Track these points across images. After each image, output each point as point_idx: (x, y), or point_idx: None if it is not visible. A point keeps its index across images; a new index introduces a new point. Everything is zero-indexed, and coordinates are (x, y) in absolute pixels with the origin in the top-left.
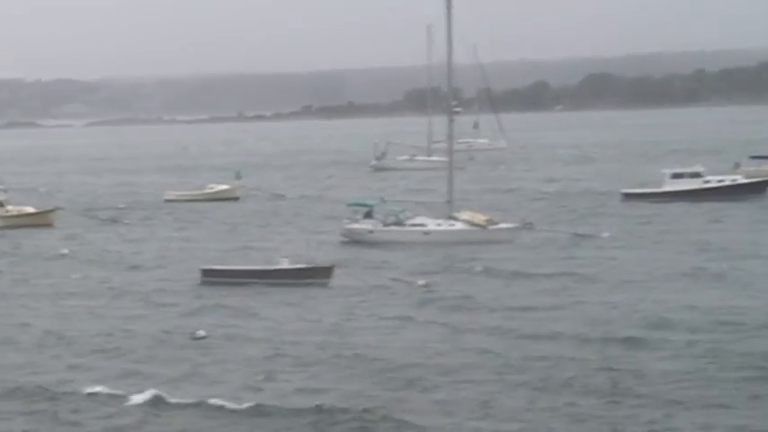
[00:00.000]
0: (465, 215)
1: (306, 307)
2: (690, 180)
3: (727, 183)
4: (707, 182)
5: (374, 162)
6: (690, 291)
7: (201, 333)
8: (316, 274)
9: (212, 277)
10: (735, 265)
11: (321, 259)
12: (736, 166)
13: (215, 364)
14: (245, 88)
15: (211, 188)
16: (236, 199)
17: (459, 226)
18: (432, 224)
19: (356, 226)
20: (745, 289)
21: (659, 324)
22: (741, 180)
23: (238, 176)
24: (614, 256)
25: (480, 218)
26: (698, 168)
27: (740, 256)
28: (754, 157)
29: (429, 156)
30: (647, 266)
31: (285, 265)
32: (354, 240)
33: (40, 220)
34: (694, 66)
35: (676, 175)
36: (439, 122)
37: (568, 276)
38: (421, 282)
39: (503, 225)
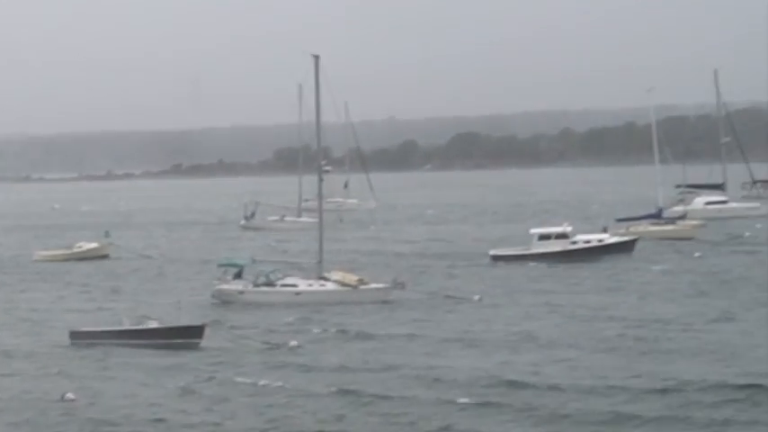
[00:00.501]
0: (336, 275)
1: (174, 370)
2: (557, 241)
3: (594, 243)
4: (574, 242)
5: (243, 222)
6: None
7: (70, 396)
8: (186, 335)
9: (81, 339)
10: (573, 329)
11: (191, 320)
12: (604, 230)
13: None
14: (114, 146)
15: (80, 247)
16: (105, 257)
17: (330, 286)
18: (303, 285)
19: (226, 287)
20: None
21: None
22: (608, 240)
23: (107, 235)
24: (482, 318)
25: (351, 278)
26: (565, 229)
27: (586, 319)
28: (619, 220)
29: (299, 215)
30: (502, 329)
31: (155, 325)
32: (225, 301)
33: None
34: (561, 126)
35: (543, 237)
36: (309, 181)
37: (426, 338)
38: (293, 343)
39: (374, 285)
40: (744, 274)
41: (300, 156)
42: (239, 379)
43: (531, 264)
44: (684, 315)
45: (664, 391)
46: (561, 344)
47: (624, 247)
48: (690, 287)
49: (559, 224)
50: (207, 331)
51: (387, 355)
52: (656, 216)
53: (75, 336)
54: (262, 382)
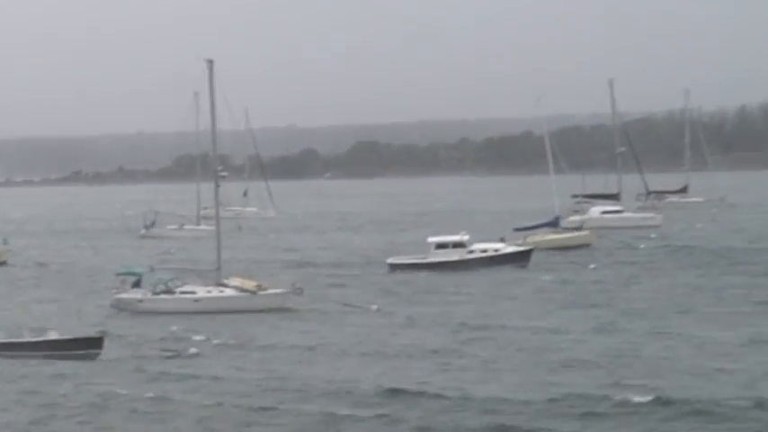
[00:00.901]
0: (234, 281)
1: (75, 379)
2: (454, 250)
3: (490, 252)
4: (471, 251)
5: (143, 231)
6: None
7: None
8: (85, 346)
9: None
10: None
11: (90, 330)
12: (502, 240)
13: None
14: (11, 154)
15: None
16: (2, 264)
17: (228, 292)
18: (201, 291)
19: (125, 295)
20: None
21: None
22: (504, 250)
23: (5, 242)
24: (379, 327)
25: (250, 284)
26: (462, 238)
27: (476, 328)
28: (517, 229)
29: (198, 223)
30: (396, 339)
31: (53, 336)
32: (124, 310)
33: None
34: (459, 135)
35: (440, 245)
36: (207, 189)
37: (320, 348)
38: (192, 350)
39: (272, 291)
40: (633, 284)
41: (198, 163)
42: (120, 391)
43: (428, 272)
44: (567, 325)
45: (551, 400)
46: (451, 354)
47: (520, 257)
48: (580, 297)
49: (457, 233)
50: (106, 342)
51: (280, 365)
52: (554, 225)
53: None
54: (148, 394)
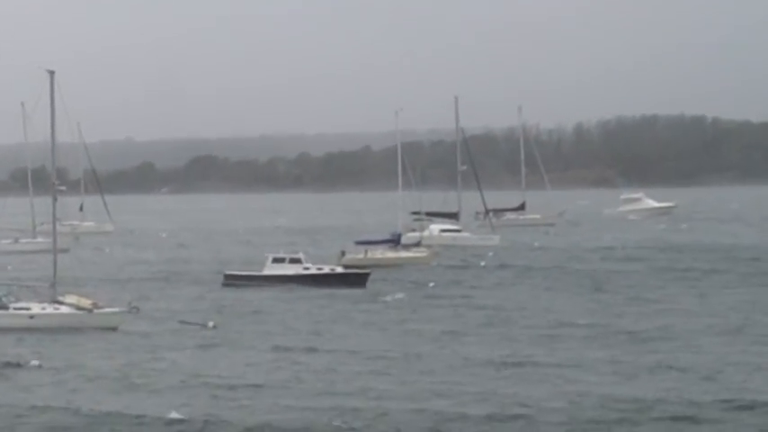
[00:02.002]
0: (70, 299)
1: None
2: (290, 265)
3: (325, 271)
4: (306, 268)
5: None
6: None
7: None
8: None
9: None
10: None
11: None
12: (343, 254)
13: None
14: None
15: None
16: None
17: (64, 309)
18: (37, 308)
19: None
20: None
21: None
22: (339, 270)
23: None
24: (212, 344)
25: (86, 302)
26: (299, 255)
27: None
28: (358, 243)
29: (34, 238)
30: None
31: None
32: None
33: None
34: (299, 150)
35: (277, 260)
36: (43, 203)
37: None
38: (35, 362)
39: (108, 309)
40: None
41: (29, 177)
42: None
43: (264, 286)
44: (396, 346)
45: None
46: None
47: (357, 279)
48: (414, 318)
49: (295, 251)
50: None
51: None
52: (395, 242)
53: None
54: None
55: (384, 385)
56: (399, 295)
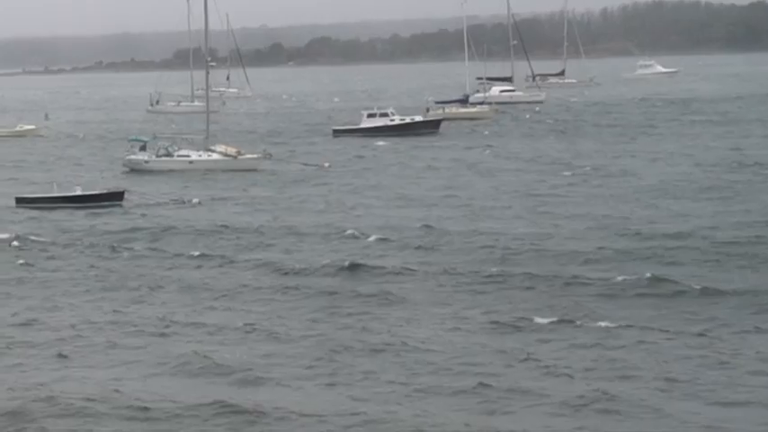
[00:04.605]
0: (220, 147)
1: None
2: (380, 119)
3: (407, 121)
4: (392, 120)
5: (150, 108)
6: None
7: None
8: (110, 198)
9: (25, 204)
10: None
11: (111, 186)
12: (427, 110)
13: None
14: (46, 48)
15: (21, 127)
16: (42, 136)
17: (215, 156)
18: (194, 155)
19: (134, 157)
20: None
21: None
22: (418, 119)
23: (46, 118)
24: (330, 181)
25: (232, 149)
26: (388, 110)
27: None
28: (438, 102)
29: (192, 102)
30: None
31: (81, 191)
32: (133, 170)
33: None
34: (391, 32)
35: (371, 115)
36: (200, 75)
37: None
38: (195, 200)
39: (249, 155)
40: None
41: (190, 55)
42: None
43: (361, 136)
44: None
45: None
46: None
47: (432, 125)
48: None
49: (385, 107)
50: (126, 195)
51: (250, 215)
52: (464, 101)
53: (20, 201)
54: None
55: None
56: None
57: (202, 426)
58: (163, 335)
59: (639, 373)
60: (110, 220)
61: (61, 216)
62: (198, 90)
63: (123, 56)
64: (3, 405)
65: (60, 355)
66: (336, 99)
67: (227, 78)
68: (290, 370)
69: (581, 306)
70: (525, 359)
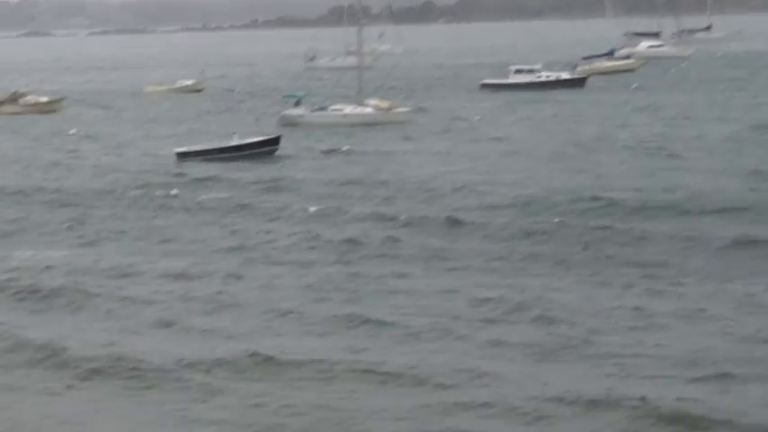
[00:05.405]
0: (373, 101)
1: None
2: (528, 74)
3: (552, 78)
4: (539, 77)
5: (305, 63)
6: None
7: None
8: (267, 144)
9: (186, 158)
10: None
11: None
12: (575, 66)
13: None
14: (205, 6)
15: (181, 83)
16: (200, 91)
17: (368, 110)
18: (348, 109)
19: (289, 112)
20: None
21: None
22: (564, 76)
23: (203, 73)
24: (482, 134)
25: (384, 103)
26: (536, 66)
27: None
28: (584, 58)
29: (346, 57)
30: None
31: (239, 140)
32: (288, 124)
33: (51, 108)
34: None
35: (518, 71)
36: (353, 33)
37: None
38: (345, 147)
39: (400, 109)
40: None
41: (345, 13)
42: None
43: (508, 90)
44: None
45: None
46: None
47: (578, 82)
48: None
49: (534, 63)
50: (282, 142)
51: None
52: (610, 54)
53: (181, 155)
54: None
55: None
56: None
57: None
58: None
59: None
60: (264, 167)
61: (221, 167)
62: (351, 47)
63: (279, 13)
64: None
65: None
66: (485, 55)
67: (380, 35)
68: None
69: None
70: None
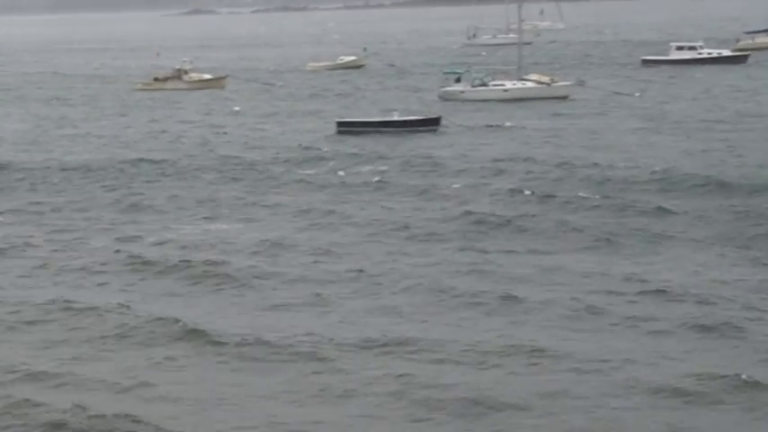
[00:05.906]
0: (533, 76)
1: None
2: (689, 51)
3: (714, 54)
4: (700, 53)
5: (467, 41)
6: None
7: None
8: (428, 123)
9: (346, 128)
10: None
11: (429, 113)
12: (737, 41)
13: None
14: None
15: (342, 59)
16: (361, 67)
17: (529, 84)
18: (509, 84)
19: (450, 88)
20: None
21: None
22: (725, 53)
23: (365, 50)
24: (643, 107)
25: (545, 78)
26: (697, 43)
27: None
28: (748, 32)
29: (507, 34)
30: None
31: (400, 116)
32: (449, 99)
33: (215, 85)
34: None
35: (679, 48)
36: (514, 9)
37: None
38: (508, 123)
39: (561, 83)
40: None
41: None
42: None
43: (670, 66)
44: None
45: None
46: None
47: (740, 59)
48: None
49: (695, 39)
50: (443, 121)
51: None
52: None
53: (341, 125)
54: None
55: None
56: None
57: None
58: None
59: None
60: (425, 142)
61: (380, 140)
62: (513, 24)
63: None
64: None
65: None
66: (647, 31)
67: (541, 12)
68: None
69: None
70: None
